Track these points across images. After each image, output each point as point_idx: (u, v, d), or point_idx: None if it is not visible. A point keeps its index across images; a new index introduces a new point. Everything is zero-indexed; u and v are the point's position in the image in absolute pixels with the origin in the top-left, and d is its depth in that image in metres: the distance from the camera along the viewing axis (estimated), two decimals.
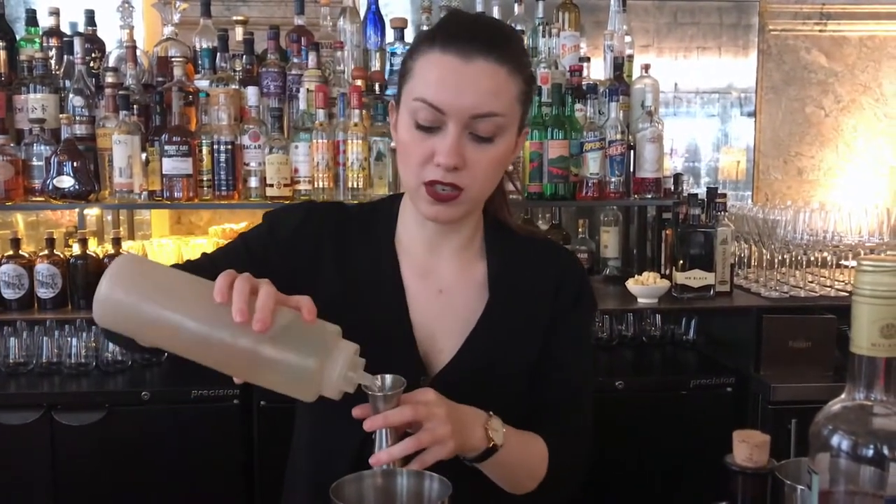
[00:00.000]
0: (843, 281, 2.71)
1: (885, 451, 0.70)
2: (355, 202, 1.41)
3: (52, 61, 2.58)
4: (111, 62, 2.61)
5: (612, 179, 2.55)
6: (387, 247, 1.26)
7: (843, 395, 0.74)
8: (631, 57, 2.75)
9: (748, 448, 0.70)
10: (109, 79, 2.43)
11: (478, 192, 1.16)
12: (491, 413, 1.11)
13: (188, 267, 1.17)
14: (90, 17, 2.62)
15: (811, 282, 2.68)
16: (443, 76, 1.09)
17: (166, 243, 2.59)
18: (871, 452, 0.70)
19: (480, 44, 1.10)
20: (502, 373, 1.23)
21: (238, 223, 2.71)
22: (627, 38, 2.74)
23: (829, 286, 2.65)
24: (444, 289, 1.26)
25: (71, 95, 2.46)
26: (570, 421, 1.26)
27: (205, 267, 1.13)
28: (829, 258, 2.70)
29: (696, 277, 2.49)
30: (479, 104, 1.09)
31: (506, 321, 1.25)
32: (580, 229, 2.88)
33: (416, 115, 1.11)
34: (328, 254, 1.24)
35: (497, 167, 1.17)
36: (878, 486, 0.70)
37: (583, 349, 1.33)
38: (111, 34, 2.69)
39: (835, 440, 0.71)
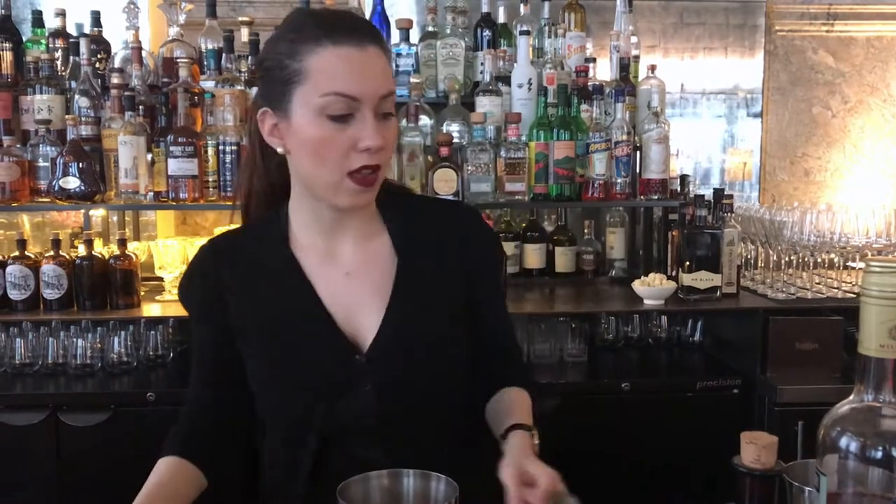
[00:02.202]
0: (850, 282, 2.70)
1: (894, 452, 0.69)
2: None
3: (59, 62, 2.59)
4: (117, 63, 2.62)
5: (618, 180, 2.54)
6: (282, 251, 1.30)
7: (851, 397, 0.73)
8: (637, 57, 2.74)
9: (756, 449, 0.70)
10: (115, 80, 2.44)
11: (386, 169, 1.22)
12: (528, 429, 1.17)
13: (201, 380, 1.33)
14: (96, 19, 2.63)
15: (818, 283, 2.67)
16: (348, 67, 1.14)
17: (172, 244, 2.59)
18: (879, 454, 0.69)
19: (364, 32, 1.18)
20: (430, 331, 1.28)
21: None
22: (633, 39, 2.74)
23: (836, 287, 2.63)
24: (350, 270, 1.29)
25: (77, 96, 2.46)
26: (520, 359, 1.43)
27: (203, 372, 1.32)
28: (836, 259, 2.69)
29: (702, 279, 2.48)
30: (382, 85, 1.17)
31: (420, 281, 1.29)
32: (586, 230, 2.87)
33: (328, 109, 1.14)
34: (233, 280, 1.29)
35: (395, 141, 1.26)
36: (886, 488, 0.69)
37: (502, 292, 1.46)
38: (117, 35, 2.69)
39: (843, 442, 0.71)
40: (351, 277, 1.29)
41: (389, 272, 1.29)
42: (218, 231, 2.63)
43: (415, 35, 2.73)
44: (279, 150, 1.23)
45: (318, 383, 1.24)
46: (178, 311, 2.48)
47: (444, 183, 2.43)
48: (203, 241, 2.59)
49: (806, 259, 2.63)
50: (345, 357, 1.24)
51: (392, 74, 1.23)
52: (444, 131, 2.53)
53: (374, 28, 1.23)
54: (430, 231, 1.34)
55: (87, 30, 2.63)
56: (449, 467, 0.98)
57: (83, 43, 2.49)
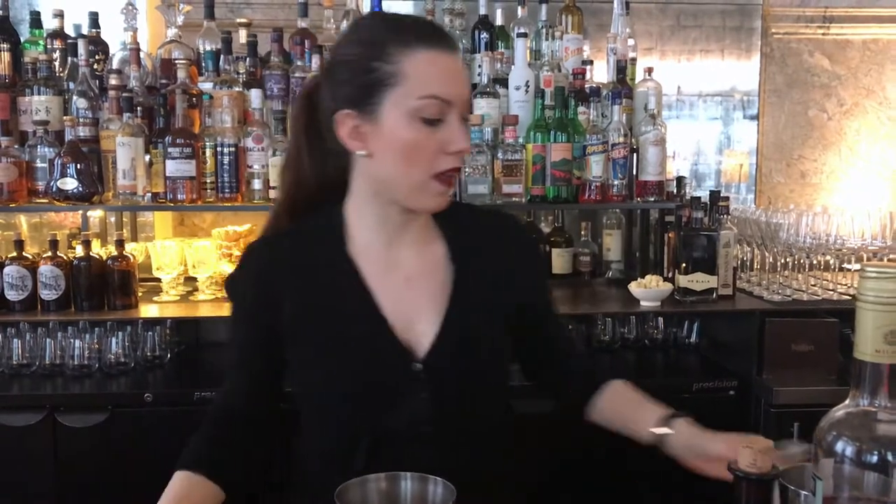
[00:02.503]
0: (845, 284, 2.71)
1: (889, 457, 0.70)
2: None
3: (56, 63, 2.59)
4: (115, 64, 2.62)
5: (615, 182, 2.55)
6: (340, 254, 1.29)
7: (846, 401, 0.74)
8: (634, 60, 2.75)
9: (752, 454, 0.70)
10: (113, 81, 2.44)
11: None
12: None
13: (237, 378, 1.32)
14: (94, 20, 2.63)
15: (814, 285, 2.68)
16: (443, 71, 1.18)
17: (169, 245, 2.59)
18: (875, 459, 0.70)
19: (449, 40, 1.21)
20: (485, 340, 1.29)
21: (241, 225, 2.71)
22: (630, 42, 2.75)
23: (832, 290, 2.64)
24: (410, 276, 1.29)
25: (75, 97, 2.46)
26: (581, 356, 1.51)
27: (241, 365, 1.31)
28: (831, 261, 2.70)
29: (698, 280, 2.49)
30: (467, 90, 1.23)
31: (475, 290, 1.30)
32: (583, 232, 2.88)
33: (423, 112, 1.16)
34: (290, 285, 1.28)
35: None
36: (881, 493, 0.70)
37: (550, 302, 1.47)
38: (115, 36, 2.69)
39: (839, 446, 0.71)
40: (410, 284, 1.29)
41: (446, 280, 1.30)
42: (216, 233, 2.65)
43: None
44: (359, 153, 1.22)
45: (373, 390, 1.24)
46: (176, 311, 2.51)
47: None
48: (201, 242, 2.62)
49: (802, 261, 2.64)
50: (401, 364, 1.24)
51: (469, 80, 1.27)
52: None
53: (452, 36, 1.26)
54: (481, 240, 1.36)
55: (85, 31, 2.63)
56: (493, 472, 0.99)
57: (81, 44, 2.49)
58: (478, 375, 1.26)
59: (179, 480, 1.23)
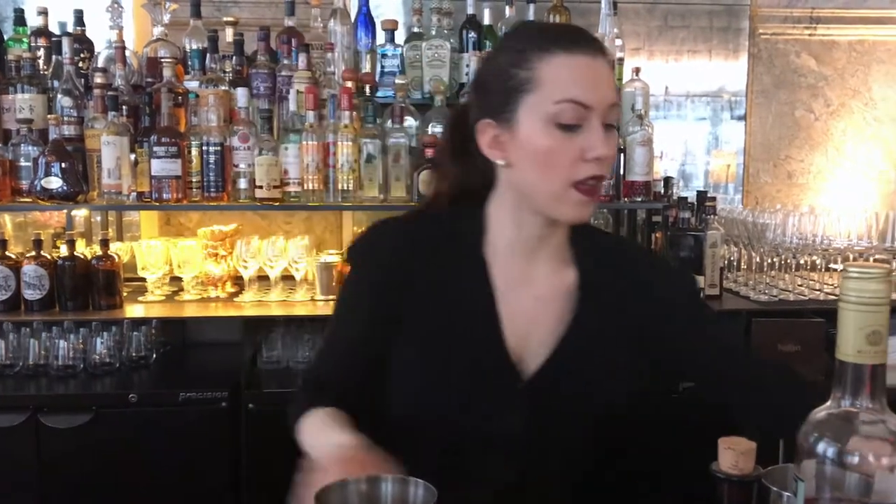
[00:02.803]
0: (832, 284, 2.72)
1: (871, 458, 0.70)
2: (404, 209, 1.41)
3: (41, 61, 2.57)
4: (100, 63, 2.60)
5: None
6: (476, 256, 1.26)
7: (828, 402, 0.74)
8: (621, 60, 2.75)
9: (734, 455, 0.70)
10: (98, 79, 2.42)
11: (604, 184, 1.21)
12: None
13: (338, 348, 1.30)
14: (79, 18, 2.61)
15: (800, 285, 2.69)
16: (581, 74, 1.14)
17: (155, 245, 2.58)
18: (856, 460, 0.70)
19: (594, 44, 1.17)
20: (594, 377, 1.25)
21: (227, 224, 2.70)
22: (618, 42, 2.74)
23: (819, 289, 2.65)
24: (537, 295, 1.26)
25: (59, 96, 2.45)
26: (757, 357, 1.40)
27: (352, 342, 1.28)
28: (818, 261, 2.71)
29: None
30: (611, 94, 1.16)
31: (597, 322, 1.26)
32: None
33: (560, 117, 1.13)
34: (420, 272, 1.25)
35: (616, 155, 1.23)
36: (863, 494, 0.70)
37: (709, 317, 1.37)
38: (100, 34, 2.67)
39: (820, 447, 0.71)
40: (535, 303, 1.26)
41: (570, 306, 1.27)
42: (202, 232, 2.63)
43: (400, 36, 2.73)
44: (499, 162, 1.20)
45: (473, 400, 1.21)
46: (161, 312, 2.50)
47: (429, 184, 2.43)
48: (187, 241, 2.60)
49: (788, 261, 2.65)
50: (506, 381, 1.21)
51: (615, 86, 1.22)
52: (430, 132, 2.53)
53: (600, 41, 1.21)
54: (613, 272, 1.30)
55: (70, 29, 2.61)
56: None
57: (66, 42, 2.47)
58: (578, 407, 1.23)
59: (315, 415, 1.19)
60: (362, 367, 1.27)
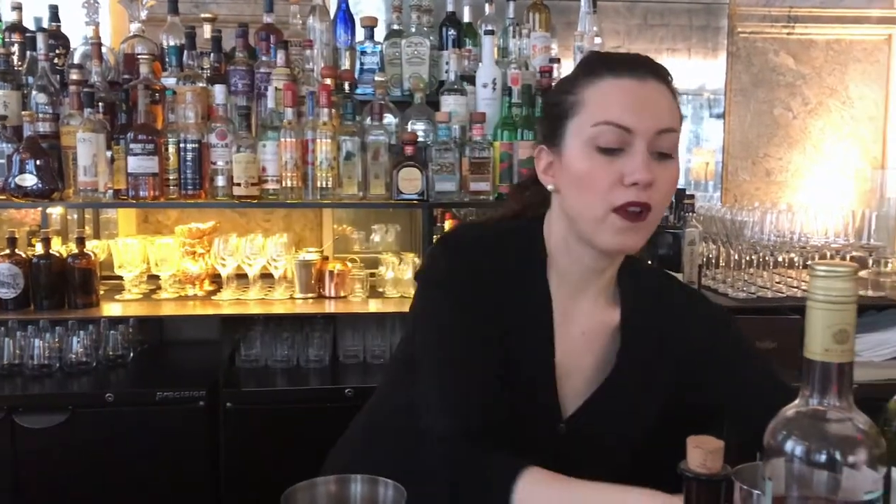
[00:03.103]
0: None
1: (838, 456, 0.70)
2: (479, 219, 1.37)
3: (15, 57, 2.54)
4: (76, 59, 2.57)
5: None
6: (541, 284, 1.23)
7: (797, 401, 0.74)
8: None
9: (702, 454, 0.70)
10: (74, 76, 2.40)
11: (658, 214, 1.14)
12: None
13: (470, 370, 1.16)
14: (54, 13, 2.58)
15: (778, 282, 2.70)
16: (624, 97, 1.11)
17: (132, 243, 2.56)
18: (824, 458, 0.70)
19: (649, 68, 1.13)
20: (631, 423, 1.24)
21: (205, 222, 2.68)
22: (598, 40, 2.75)
23: (796, 287, 2.67)
24: (585, 331, 1.24)
25: (34, 92, 2.42)
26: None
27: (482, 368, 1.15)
28: (795, 259, 2.72)
29: None
30: (661, 119, 1.11)
31: (638, 366, 1.24)
32: None
33: (599, 140, 1.11)
34: (490, 290, 1.20)
35: (674, 187, 1.16)
36: (831, 492, 0.70)
37: (748, 353, 1.32)
38: (76, 30, 2.64)
39: (788, 446, 0.71)
40: (584, 339, 1.24)
41: (613, 347, 1.25)
42: (179, 230, 2.62)
43: (380, 33, 2.72)
44: (549, 187, 1.19)
45: (513, 432, 1.14)
46: (138, 310, 2.48)
47: (409, 182, 2.42)
48: (165, 239, 2.58)
49: (766, 258, 2.66)
50: (549, 420, 1.19)
51: (678, 114, 1.15)
52: (409, 130, 2.52)
53: (661, 67, 1.16)
54: (655, 314, 1.28)
55: (45, 24, 2.58)
56: None
57: (41, 38, 2.44)
58: (611, 447, 1.22)
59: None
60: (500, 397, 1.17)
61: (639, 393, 1.24)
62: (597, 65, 1.15)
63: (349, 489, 0.83)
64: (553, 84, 2.58)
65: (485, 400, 1.13)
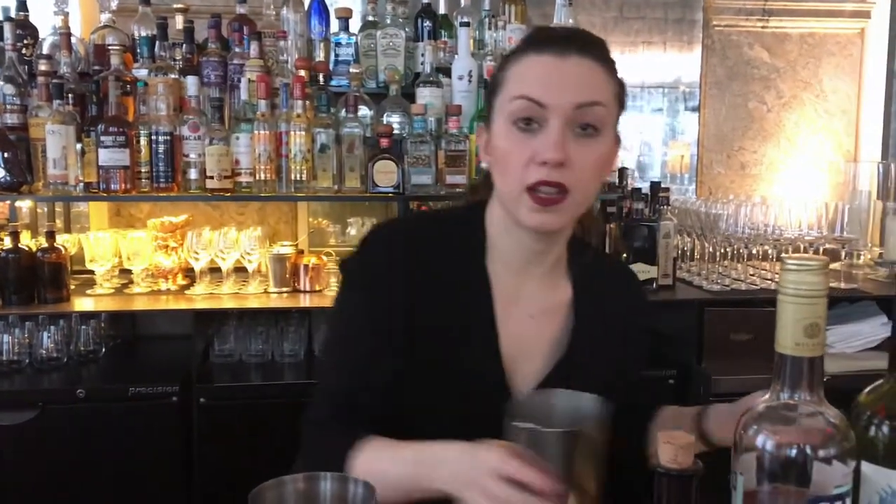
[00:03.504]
0: None
1: (808, 450, 0.70)
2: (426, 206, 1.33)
3: None
4: (45, 49, 2.53)
5: None
6: (479, 268, 1.21)
7: (767, 395, 0.74)
8: None
9: (673, 449, 0.70)
10: (43, 66, 2.36)
11: (581, 196, 1.10)
12: None
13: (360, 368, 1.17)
14: (22, 2, 2.53)
15: (752, 275, 2.72)
16: (541, 72, 1.09)
17: (103, 237, 2.52)
18: (794, 452, 0.70)
19: (574, 44, 1.10)
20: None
21: (178, 216, 2.65)
22: None
23: (770, 279, 2.69)
24: (534, 314, 1.22)
25: (1, 83, 2.37)
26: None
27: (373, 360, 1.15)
28: (770, 251, 2.75)
29: (639, 271, 2.50)
30: (580, 94, 1.07)
31: (590, 347, 1.22)
32: None
33: (515, 115, 1.09)
34: (424, 277, 1.18)
35: (600, 167, 1.12)
36: (801, 485, 0.70)
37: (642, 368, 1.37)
38: (45, 20, 2.60)
39: (759, 440, 0.71)
40: (532, 322, 1.22)
41: (565, 327, 1.23)
42: (151, 223, 2.59)
43: (354, 24, 2.70)
44: (483, 165, 1.18)
45: (463, 422, 1.10)
46: (110, 305, 2.45)
47: (385, 175, 2.41)
48: (137, 233, 2.55)
49: (740, 251, 2.68)
50: (499, 406, 1.12)
51: (609, 89, 1.11)
52: (385, 122, 2.51)
53: (592, 42, 1.13)
54: (606, 296, 1.27)
55: (12, 14, 2.53)
56: None
57: (7, 27, 2.40)
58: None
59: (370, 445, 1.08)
60: (386, 387, 1.17)
61: (593, 370, 1.21)
62: (526, 41, 1.14)
63: (318, 487, 0.82)
64: None
65: (354, 389, 1.15)
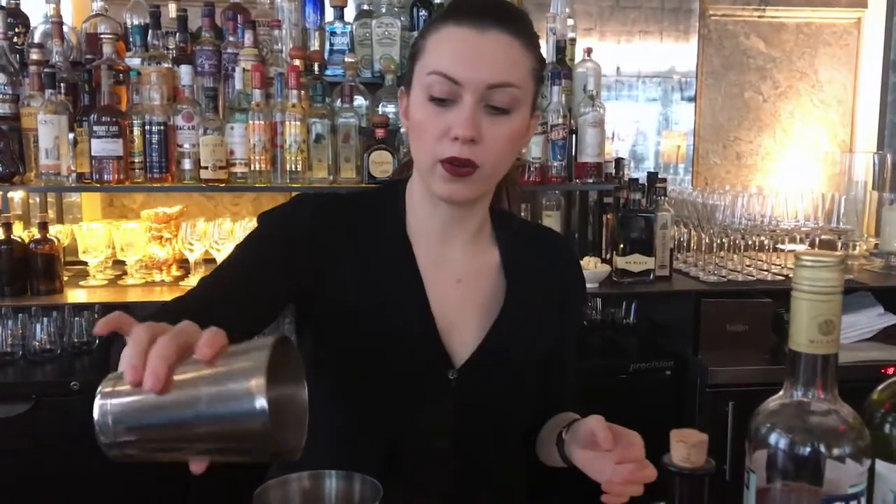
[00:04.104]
0: (779, 265, 2.76)
1: (822, 448, 0.69)
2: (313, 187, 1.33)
3: None
4: (37, 38, 2.49)
5: (555, 164, 2.54)
6: (399, 237, 1.22)
7: (780, 392, 0.73)
8: (573, 40, 2.73)
9: (686, 448, 0.69)
10: (35, 55, 2.33)
11: (492, 170, 1.12)
12: None
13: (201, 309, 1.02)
14: None
15: (748, 266, 2.72)
16: (458, 47, 1.08)
17: (96, 228, 2.50)
18: (807, 450, 0.69)
19: (494, 17, 1.08)
20: (521, 360, 1.23)
21: (172, 206, 2.63)
22: (570, 22, 2.73)
23: (766, 270, 2.68)
24: (461, 278, 1.22)
25: None
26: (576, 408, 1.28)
27: (223, 296, 1.07)
28: (766, 242, 2.74)
29: (635, 262, 2.50)
30: (494, 74, 1.07)
31: (523, 309, 1.23)
32: (522, 213, 2.86)
33: (431, 90, 1.08)
34: (343, 250, 1.18)
35: (512, 143, 1.13)
36: (814, 483, 0.69)
37: (575, 339, 1.37)
38: (36, 9, 2.56)
39: (773, 438, 0.70)
40: (459, 286, 1.22)
41: (496, 290, 1.23)
42: (145, 214, 2.56)
43: (349, 13, 2.67)
44: (402, 130, 1.17)
45: (400, 390, 1.15)
46: (104, 296, 2.43)
47: (380, 165, 2.39)
48: (130, 224, 2.53)
49: (737, 242, 2.68)
50: (437, 369, 1.16)
51: (524, 67, 1.10)
52: (380, 112, 2.49)
53: (513, 15, 1.11)
54: (536, 259, 1.29)
55: (3, 2, 2.50)
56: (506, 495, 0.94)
57: None
58: (510, 395, 1.19)
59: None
60: (244, 303, 1.09)
61: (528, 330, 1.23)
62: (448, 10, 1.13)
63: (323, 485, 0.81)
64: None
65: (199, 295, 1.07)
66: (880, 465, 0.72)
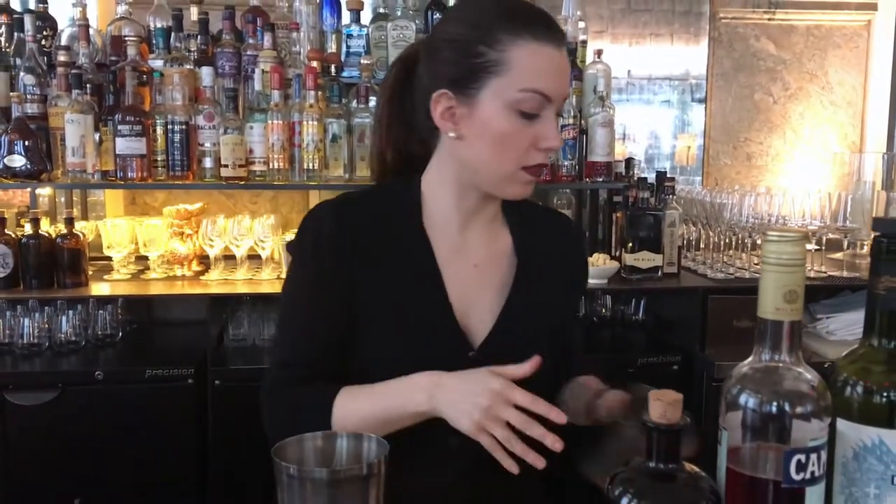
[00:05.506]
0: None
1: (787, 407, 0.75)
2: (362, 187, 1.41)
3: (2, 38, 2.56)
4: (63, 40, 2.59)
5: (565, 163, 2.60)
6: (415, 229, 1.28)
7: (750, 358, 0.79)
8: (584, 42, 2.79)
9: (662, 406, 0.75)
10: (62, 57, 2.42)
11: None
12: None
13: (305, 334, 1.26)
14: None
15: (756, 264, 2.76)
16: (547, 66, 1.16)
17: (120, 223, 2.58)
18: (774, 409, 0.75)
19: (558, 32, 1.19)
20: (536, 337, 1.29)
21: (193, 204, 2.71)
22: (581, 24, 2.78)
23: None
24: (478, 262, 1.30)
25: (22, 74, 2.43)
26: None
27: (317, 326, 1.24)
28: None
29: (644, 259, 2.55)
30: (567, 87, 1.22)
31: (535, 286, 1.31)
32: None
33: (522, 105, 1.15)
34: (365, 245, 1.25)
35: None
36: (781, 441, 0.75)
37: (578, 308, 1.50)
38: (63, 12, 2.66)
39: (742, 399, 0.76)
40: (477, 271, 1.30)
41: (509, 272, 1.31)
42: (167, 211, 2.64)
43: (366, 16, 2.74)
44: (450, 134, 1.21)
45: (429, 368, 1.19)
46: (127, 290, 2.51)
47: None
48: (153, 220, 2.61)
49: (744, 240, 2.72)
50: (459, 351, 1.24)
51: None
52: None
53: (560, 27, 1.22)
54: (545, 240, 1.37)
55: (32, 6, 2.60)
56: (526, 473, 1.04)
57: (28, 19, 2.46)
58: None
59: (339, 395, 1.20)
60: (333, 351, 1.25)
61: (540, 312, 1.30)
62: (517, 22, 1.16)
63: (335, 444, 0.88)
64: None
65: (301, 345, 1.26)
66: (841, 424, 0.78)
